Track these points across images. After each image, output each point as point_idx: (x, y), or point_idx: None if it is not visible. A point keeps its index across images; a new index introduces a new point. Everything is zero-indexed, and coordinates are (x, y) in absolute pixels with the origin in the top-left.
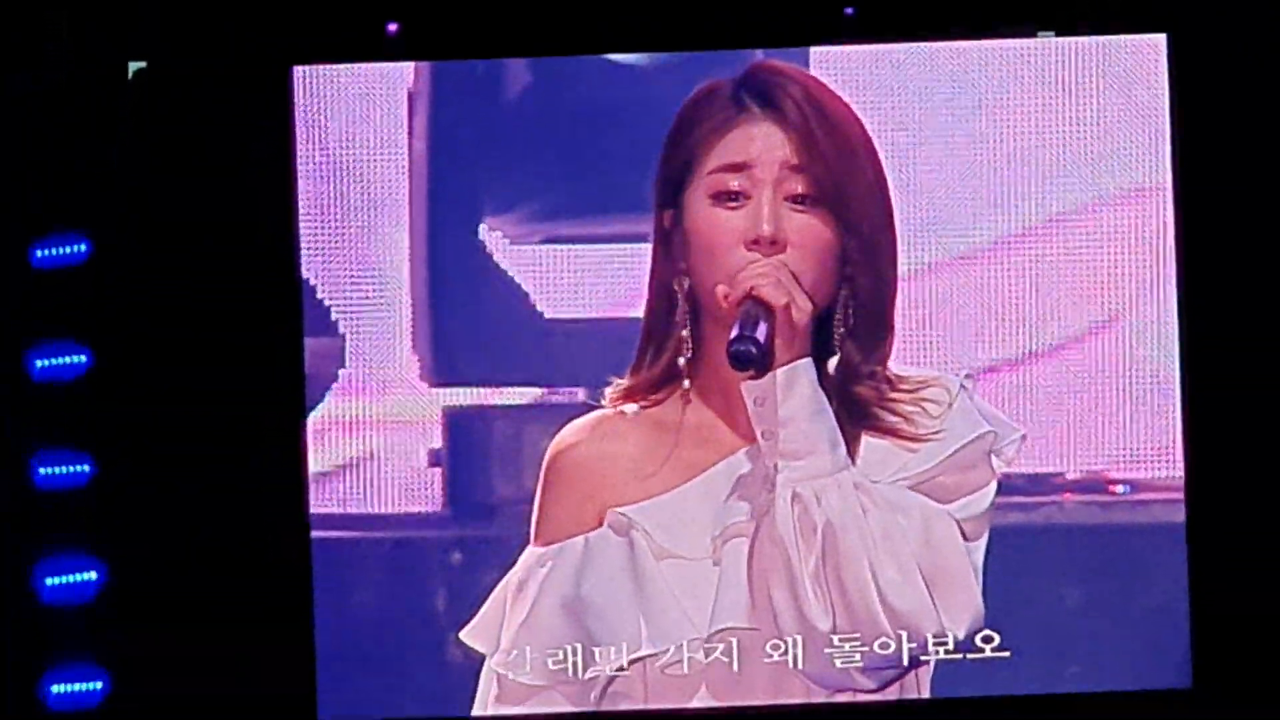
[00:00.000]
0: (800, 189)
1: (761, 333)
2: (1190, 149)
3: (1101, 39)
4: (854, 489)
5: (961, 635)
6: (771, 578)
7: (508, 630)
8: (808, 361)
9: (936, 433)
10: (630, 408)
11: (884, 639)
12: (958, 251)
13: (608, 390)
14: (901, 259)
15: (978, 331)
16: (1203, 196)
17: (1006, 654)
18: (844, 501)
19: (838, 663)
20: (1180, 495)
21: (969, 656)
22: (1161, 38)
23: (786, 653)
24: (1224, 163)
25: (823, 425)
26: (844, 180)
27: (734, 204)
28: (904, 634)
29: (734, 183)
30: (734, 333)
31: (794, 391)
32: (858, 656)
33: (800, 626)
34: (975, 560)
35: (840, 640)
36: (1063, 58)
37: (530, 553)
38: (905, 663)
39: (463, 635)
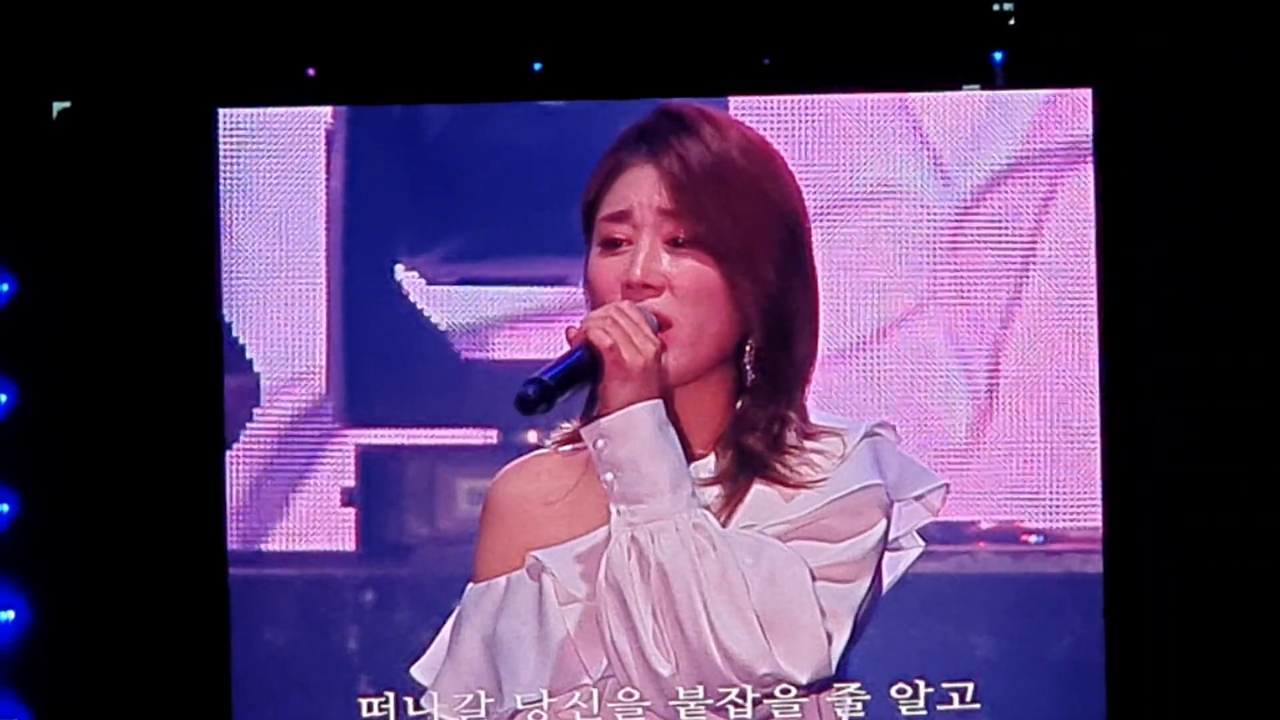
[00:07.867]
0: (676, 231)
1: (552, 374)
2: (1113, 201)
3: (1027, 93)
4: (693, 530)
5: (804, 680)
6: (613, 624)
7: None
8: (654, 404)
9: (818, 481)
10: (567, 448)
11: (725, 685)
12: (874, 304)
13: (553, 433)
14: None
15: (895, 379)
16: (1124, 249)
17: (920, 705)
18: (681, 543)
19: (683, 713)
20: (1094, 547)
21: (853, 706)
22: (1087, 92)
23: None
24: (1147, 216)
25: (663, 467)
26: (731, 222)
27: (617, 250)
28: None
29: (618, 231)
30: None
31: (633, 435)
32: (701, 707)
33: (644, 673)
34: (848, 603)
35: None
36: (988, 110)
37: (469, 589)
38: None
39: (413, 671)
